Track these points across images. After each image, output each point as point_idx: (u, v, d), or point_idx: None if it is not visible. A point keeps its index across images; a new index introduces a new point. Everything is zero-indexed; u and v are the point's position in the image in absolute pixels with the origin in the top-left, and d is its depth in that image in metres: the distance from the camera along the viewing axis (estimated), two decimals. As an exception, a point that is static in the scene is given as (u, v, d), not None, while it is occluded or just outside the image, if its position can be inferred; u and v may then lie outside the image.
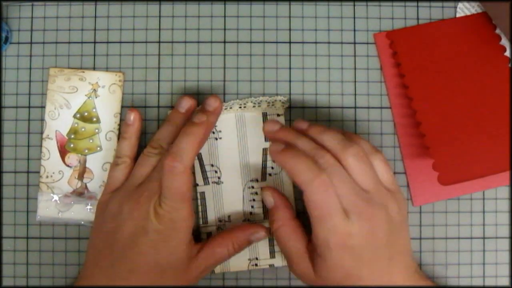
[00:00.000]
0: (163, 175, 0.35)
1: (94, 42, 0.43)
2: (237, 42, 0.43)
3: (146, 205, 0.36)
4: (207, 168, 0.42)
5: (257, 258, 0.42)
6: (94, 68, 0.43)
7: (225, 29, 0.43)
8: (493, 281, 0.43)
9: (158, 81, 0.43)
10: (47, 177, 0.42)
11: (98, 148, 0.42)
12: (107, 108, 0.42)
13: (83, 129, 0.42)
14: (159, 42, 0.43)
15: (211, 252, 0.38)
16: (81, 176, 0.42)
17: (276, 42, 0.43)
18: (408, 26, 0.43)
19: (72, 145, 0.42)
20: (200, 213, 0.42)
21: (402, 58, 0.42)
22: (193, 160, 0.37)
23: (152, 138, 0.40)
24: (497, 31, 0.43)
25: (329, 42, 0.43)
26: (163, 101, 0.43)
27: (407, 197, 0.43)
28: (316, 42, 0.43)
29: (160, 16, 0.43)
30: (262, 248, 0.42)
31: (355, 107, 0.43)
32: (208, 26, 0.43)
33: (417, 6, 0.43)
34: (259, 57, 0.43)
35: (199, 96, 0.43)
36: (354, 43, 0.43)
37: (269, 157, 0.42)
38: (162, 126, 0.40)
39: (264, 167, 0.42)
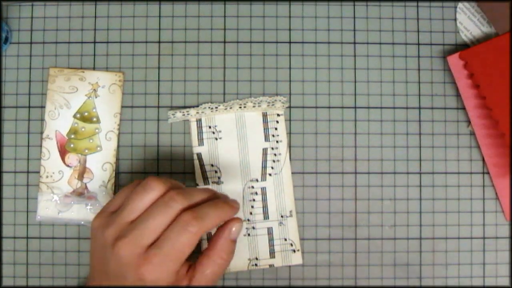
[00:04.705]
0: (174, 225, 0.34)
1: (94, 42, 0.43)
2: (237, 42, 0.43)
3: (132, 250, 0.34)
4: (207, 168, 0.42)
5: (257, 258, 0.42)
6: (94, 68, 0.43)
7: (225, 29, 0.43)
8: (493, 281, 0.43)
9: (158, 81, 0.43)
10: (47, 177, 0.42)
11: (98, 148, 0.42)
12: (107, 108, 0.42)
13: (83, 129, 0.42)
14: (159, 42, 0.43)
15: (203, 276, 0.36)
16: (81, 176, 0.42)
17: (276, 42, 0.43)
18: (481, 43, 0.41)
19: (72, 145, 0.42)
20: (200, 213, 0.42)
21: (479, 79, 0.40)
22: (208, 231, 0.35)
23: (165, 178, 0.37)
24: None
25: (329, 42, 0.43)
26: (163, 101, 0.43)
27: (496, 210, 0.43)
28: (316, 42, 0.43)
29: (160, 16, 0.43)
30: (262, 248, 0.42)
31: (355, 107, 0.43)
32: (208, 26, 0.43)
33: (417, 6, 0.43)
34: (259, 57, 0.43)
35: (199, 96, 0.43)
36: (354, 43, 0.43)
37: (269, 157, 0.42)
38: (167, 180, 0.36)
39: (264, 167, 0.42)
